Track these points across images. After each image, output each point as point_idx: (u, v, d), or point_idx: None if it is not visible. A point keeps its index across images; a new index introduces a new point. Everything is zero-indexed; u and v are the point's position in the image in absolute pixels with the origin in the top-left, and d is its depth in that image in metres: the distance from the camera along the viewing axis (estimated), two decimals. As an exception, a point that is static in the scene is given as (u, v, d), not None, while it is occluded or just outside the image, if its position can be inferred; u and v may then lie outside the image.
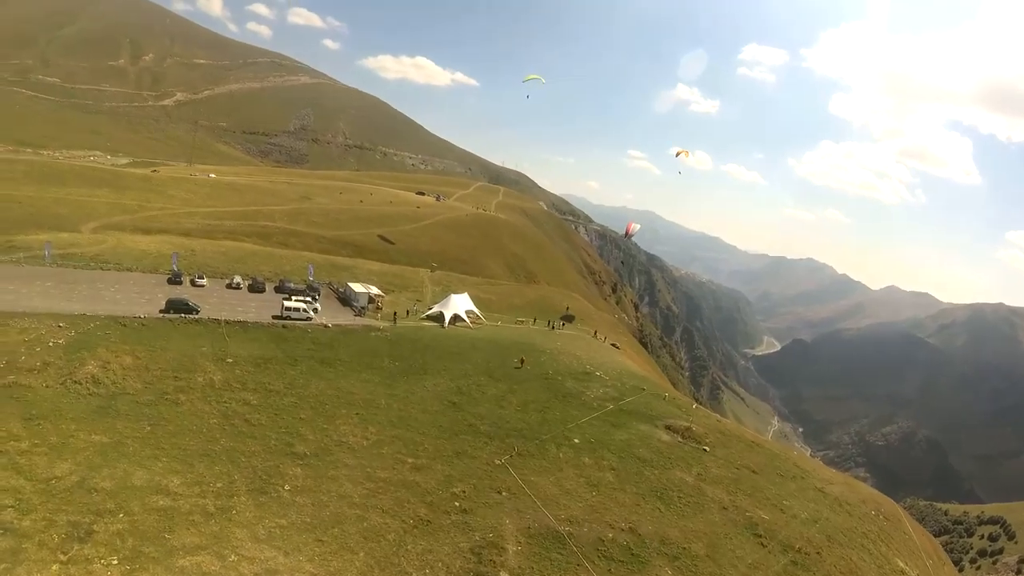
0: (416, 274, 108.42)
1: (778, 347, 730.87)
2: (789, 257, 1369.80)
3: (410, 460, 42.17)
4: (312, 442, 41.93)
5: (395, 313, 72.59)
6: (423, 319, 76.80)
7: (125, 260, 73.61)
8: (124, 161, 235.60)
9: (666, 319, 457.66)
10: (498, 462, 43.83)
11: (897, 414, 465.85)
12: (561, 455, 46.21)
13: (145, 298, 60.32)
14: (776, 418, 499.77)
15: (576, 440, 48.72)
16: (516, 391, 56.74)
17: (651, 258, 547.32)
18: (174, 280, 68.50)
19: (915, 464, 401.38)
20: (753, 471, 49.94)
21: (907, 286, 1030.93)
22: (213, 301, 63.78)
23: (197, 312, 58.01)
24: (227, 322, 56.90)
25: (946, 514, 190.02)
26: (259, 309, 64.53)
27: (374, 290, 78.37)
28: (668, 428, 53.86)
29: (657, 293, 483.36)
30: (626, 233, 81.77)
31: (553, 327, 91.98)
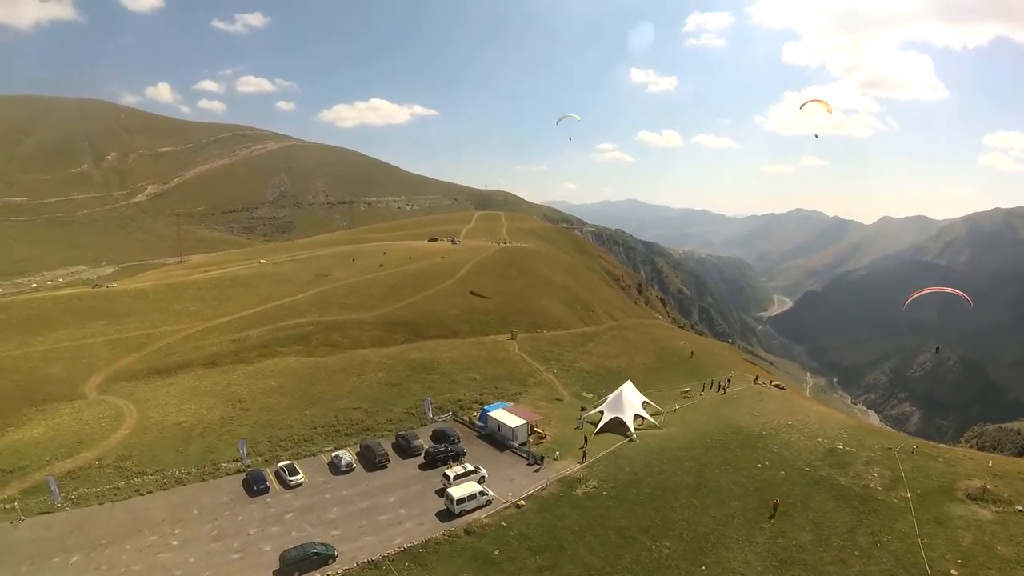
0: (504, 350, 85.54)
1: (789, 304, 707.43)
2: (778, 213, 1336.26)
3: None
4: None
5: (583, 448, 49.76)
6: (598, 433, 54.80)
7: (164, 458, 48.01)
8: (110, 270, 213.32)
9: (680, 303, 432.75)
10: None
11: (924, 342, 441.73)
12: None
13: (235, 548, 35.82)
14: (808, 374, 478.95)
15: (953, 572, 34.72)
16: (821, 524, 40.21)
17: (648, 245, 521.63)
18: (256, 487, 43.15)
19: (956, 387, 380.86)
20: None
21: (900, 214, 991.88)
22: (334, 514, 39.77)
23: (334, 559, 34.05)
24: (390, 559, 33.32)
25: (1019, 433, 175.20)
26: (408, 507, 41.02)
27: (530, 415, 55.12)
28: (970, 498, 41.62)
29: (666, 279, 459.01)
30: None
31: (724, 390, 72.10)
